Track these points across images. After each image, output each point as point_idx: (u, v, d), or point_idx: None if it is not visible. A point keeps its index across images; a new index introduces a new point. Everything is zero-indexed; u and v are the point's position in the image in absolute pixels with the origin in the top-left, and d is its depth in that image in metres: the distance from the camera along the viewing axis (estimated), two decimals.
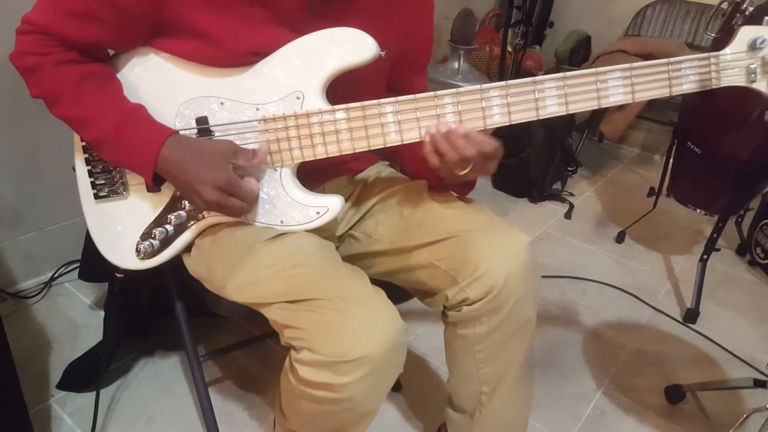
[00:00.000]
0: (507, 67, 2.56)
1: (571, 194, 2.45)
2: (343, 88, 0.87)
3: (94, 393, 1.24)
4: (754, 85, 0.79)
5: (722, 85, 0.79)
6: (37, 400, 1.32)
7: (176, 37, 0.85)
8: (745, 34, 0.77)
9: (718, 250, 1.90)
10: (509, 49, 2.58)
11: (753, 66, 0.78)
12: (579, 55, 2.83)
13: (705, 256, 1.82)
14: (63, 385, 1.34)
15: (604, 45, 2.71)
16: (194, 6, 0.82)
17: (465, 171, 0.84)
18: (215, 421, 1.22)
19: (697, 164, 1.78)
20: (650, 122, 2.86)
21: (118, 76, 0.90)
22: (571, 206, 2.34)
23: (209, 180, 0.82)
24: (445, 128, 0.82)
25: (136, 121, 0.86)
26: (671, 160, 1.91)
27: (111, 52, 0.92)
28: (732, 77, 0.79)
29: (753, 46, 0.77)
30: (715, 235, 1.80)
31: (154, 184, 0.89)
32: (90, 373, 1.34)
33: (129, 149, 0.86)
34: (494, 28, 2.92)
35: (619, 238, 2.15)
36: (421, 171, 1.00)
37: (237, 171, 0.85)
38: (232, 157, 0.84)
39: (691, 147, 1.75)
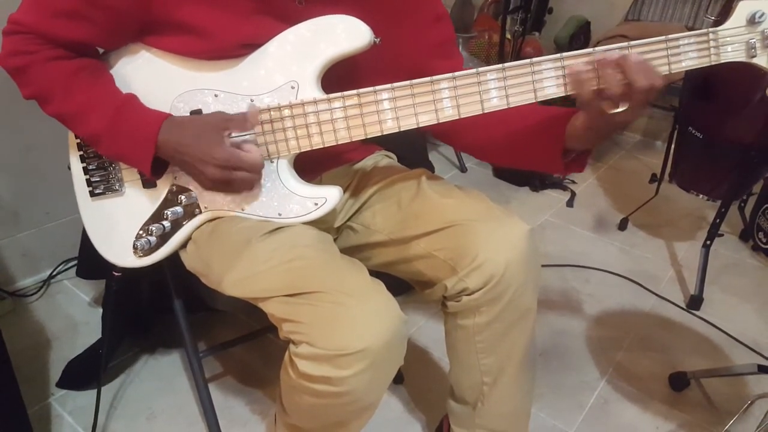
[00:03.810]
0: (506, 55, 2.54)
1: (573, 182, 2.44)
2: (341, 76, 0.86)
3: (94, 391, 1.24)
4: (754, 60, 0.76)
5: (722, 61, 0.77)
6: (37, 399, 1.31)
7: (166, 32, 0.84)
8: (744, 8, 0.75)
9: (722, 235, 1.88)
10: (508, 36, 2.55)
11: (752, 41, 0.76)
12: (579, 41, 2.81)
13: (708, 242, 1.81)
14: (63, 383, 1.34)
15: (604, 30, 2.68)
16: (182, 1, 0.81)
17: (619, 110, 0.75)
18: (216, 417, 1.22)
19: (699, 149, 1.76)
20: (651, 107, 2.84)
21: (111, 72, 0.89)
22: (573, 194, 2.32)
23: (210, 159, 0.82)
24: (617, 55, 0.74)
25: (131, 110, 0.86)
26: (673, 146, 1.90)
27: (101, 50, 0.91)
28: (731, 53, 0.76)
29: (752, 21, 0.75)
30: (718, 221, 1.78)
31: (153, 174, 0.88)
32: (90, 370, 1.33)
33: (126, 138, 0.85)
34: (493, 15, 2.89)
35: (622, 226, 2.14)
36: (493, 145, 0.94)
37: (234, 140, 0.84)
38: (224, 127, 0.83)
39: (693, 132, 1.74)
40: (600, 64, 0.75)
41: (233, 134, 0.84)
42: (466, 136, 0.97)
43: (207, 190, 0.90)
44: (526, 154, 0.93)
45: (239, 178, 0.84)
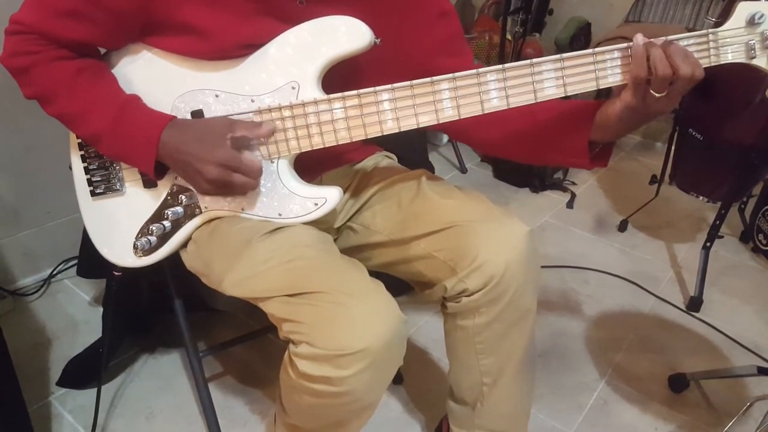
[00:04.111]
0: (507, 56, 2.54)
1: (573, 183, 2.44)
2: (342, 76, 0.86)
3: (94, 390, 1.24)
4: (754, 62, 0.77)
5: (721, 62, 0.77)
6: (37, 398, 1.32)
7: (167, 33, 0.85)
8: (743, 9, 0.75)
9: (722, 237, 1.89)
10: (509, 37, 2.56)
11: (752, 42, 0.76)
12: (579, 42, 2.81)
13: (708, 244, 1.81)
14: (63, 382, 1.34)
15: (605, 32, 2.68)
16: (183, 2, 0.81)
17: (662, 94, 0.76)
18: (216, 416, 1.22)
19: (699, 151, 1.76)
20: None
21: (113, 73, 0.89)
22: (573, 195, 2.32)
23: (210, 158, 0.82)
24: (662, 40, 0.75)
25: (133, 110, 0.86)
26: (673, 148, 1.90)
27: (102, 50, 0.91)
28: (731, 54, 0.77)
29: (751, 22, 0.75)
30: (718, 223, 1.78)
31: (156, 175, 0.88)
32: (90, 369, 1.33)
33: (128, 139, 0.85)
34: (493, 17, 2.90)
35: (622, 227, 2.14)
36: (515, 140, 0.94)
37: (236, 144, 0.84)
38: (229, 130, 0.83)
39: (693, 133, 1.74)
40: (648, 46, 0.75)
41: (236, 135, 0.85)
42: (486, 133, 0.97)
43: (203, 194, 0.90)
44: (552, 147, 0.92)
45: (236, 181, 0.84)
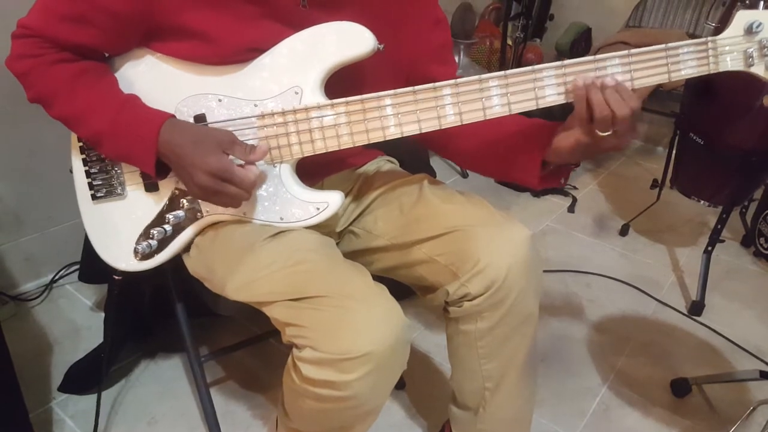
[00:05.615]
0: (507, 61, 2.55)
1: (574, 188, 2.44)
2: (346, 82, 0.87)
3: (95, 395, 1.24)
4: (752, 69, 0.77)
5: (720, 70, 0.78)
6: (38, 404, 1.31)
7: (171, 38, 0.85)
8: (742, 18, 0.76)
9: (723, 241, 1.88)
10: (509, 42, 2.57)
11: (750, 50, 0.77)
12: (580, 47, 2.82)
13: (709, 248, 1.81)
14: (64, 387, 1.34)
15: (605, 37, 2.69)
16: (186, 6, 0.81)
17: (606, 134, 0.77)
18: (217, 421, 1.22)
19: (700, 155, 1.77)
20: (652, 113, 2.85)
21: (114, 75, 0.89)
22: (574, 200, 2.33)
23: (201, 165, 0.81)
24: (600, 82, 0.76)
25: (132, 109, 0.86)
26: (674, 152, 1.90)
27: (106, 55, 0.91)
28: (730, 62, 0.78)
29: (749, 30, 0.76)
30: (719, 227, 1.78)
31: (157, 174, 0.87)
32: (91, 375, 1.33)
33: (128, 138, 0.85)
34: (494, 22, 2.91)
35: (623, 231, 2.14)
36: (482, 157, 0.96)
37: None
38: (228, 147, 0.83)
39: (694, 138, 1.74)
40: (589, 88, 0.76)
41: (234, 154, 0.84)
42: (457, 143, 0.98)
43: (196, 198, 0.90)
44: (510, 164, 0.92)
45: (227, 192, 0.82)
